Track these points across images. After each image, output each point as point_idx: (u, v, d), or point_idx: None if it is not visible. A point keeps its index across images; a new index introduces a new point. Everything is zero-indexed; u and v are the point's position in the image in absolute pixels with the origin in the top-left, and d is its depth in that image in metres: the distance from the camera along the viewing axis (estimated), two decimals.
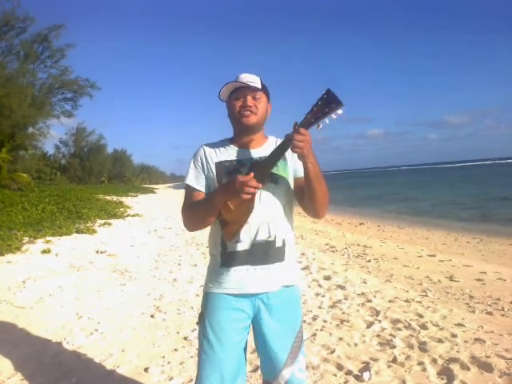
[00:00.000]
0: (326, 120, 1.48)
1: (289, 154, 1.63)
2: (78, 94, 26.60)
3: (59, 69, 25.40)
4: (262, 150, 1.73)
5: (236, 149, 1.74)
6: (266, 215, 1.65)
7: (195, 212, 1.68)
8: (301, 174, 1.66)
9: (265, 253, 1.65)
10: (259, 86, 1.66)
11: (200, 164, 1.74)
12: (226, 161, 1.71)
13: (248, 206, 1.57)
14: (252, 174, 1.50)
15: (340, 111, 1.47)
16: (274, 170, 1.62)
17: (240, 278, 1.65)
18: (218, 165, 1.71)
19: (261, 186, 1.50)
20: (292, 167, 1.73)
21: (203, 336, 1.68)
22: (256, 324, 1.72)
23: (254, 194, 1.55)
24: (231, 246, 1.65)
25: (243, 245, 1.64)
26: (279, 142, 1.73)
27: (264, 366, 1.76)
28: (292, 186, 1.73)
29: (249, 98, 1.65)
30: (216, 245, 1.71)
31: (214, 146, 1.77)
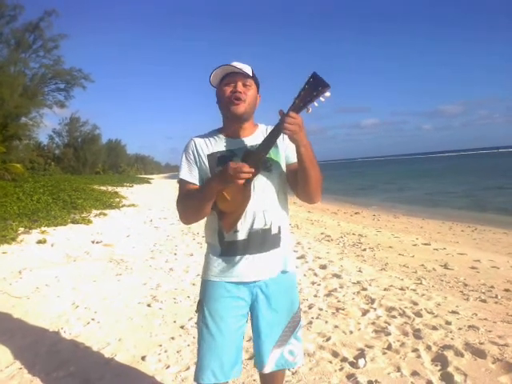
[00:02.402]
0: (315, 103, 1.47)
1: (280, 140, 1.64)
2: (70, 85, 26.38)
3: (52, 59, 25.15)
4: (252, 138, 1.73)
5: (226, 139, 1.73)
6: (261, 203, 1.65)
7: (190, 203, 1.67)
8: (293, 159, 1.66)
9: (262, 241, 1.66)
10: (250, 74, 1.66)
11: (192, 157, 1.73)
12: (218, 152, 1.70)
13: (244, 196, 1.57)
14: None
15: (328, 93, 1.46)
16: (266, 157, 1.62)
17: (239, 267, 1.66)
18: (210, 157, 1.70)
19: (253, 170, 1.50)
20: (284, 153, 1.73)
21: (202, 324, 1.69)
22: (253, 312, 1.74)
23: (249, 182, 1.54)
24: (229, 236, 1.66)
25: (241, 234, 1.64)
26: (269, 128, 1.73)
27: (255, 353, 1.78)
28: (285, 172, 1.73)
29: (239, 84, 1.64)
30: (213, 235, 1.72)
31: (203, 137, 1.76)
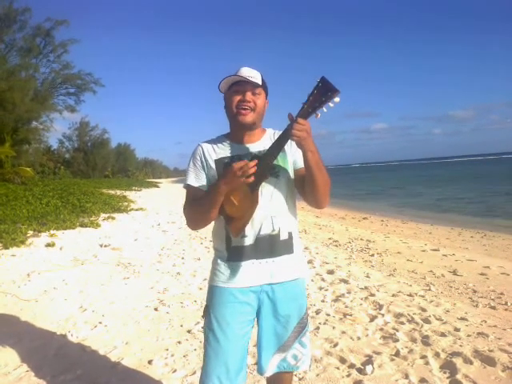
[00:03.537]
0: (324, 109, 1.45)
1: (288, 146, 1.63)
2: (81, 89, 26.61)
3: (62, 63, 25.39)
4: (260, 143, 1.72)
5: (234, 144, 1.73)
6: (269, 209, 1.65)
7: (197, 208, 1.67)
8: (301, 164, 1.66)
9: (270, 246, 1.66)
10: (259, 82, 1.65)
11: (199, 163, 1.73)
12: (226, 157, 1.70)
13: (251, 201, 1.56)
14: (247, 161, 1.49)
15: (337, 99, 1.43)
16: (274, 163, 1.61)
17: (246, 272, 1.65)
18: (218, 162, 1.70)
19: (255, 164, 1.48)
20: (291, 159, 1.72)
21: (208, 329, 1.69)
22: (258, 317, 1.73)
23: (256, 187, 1.53)
24: (236, 241, 1.66)
25: (248, 239, 1.64)
26: (277, 133, 1.72)
27: (257, 357, 1.77)
28: (293, 177, 1.72)
29: (248, 93, 1.64)
30: (220, 240, 1.72)
31: (211, 143, 1.76)
